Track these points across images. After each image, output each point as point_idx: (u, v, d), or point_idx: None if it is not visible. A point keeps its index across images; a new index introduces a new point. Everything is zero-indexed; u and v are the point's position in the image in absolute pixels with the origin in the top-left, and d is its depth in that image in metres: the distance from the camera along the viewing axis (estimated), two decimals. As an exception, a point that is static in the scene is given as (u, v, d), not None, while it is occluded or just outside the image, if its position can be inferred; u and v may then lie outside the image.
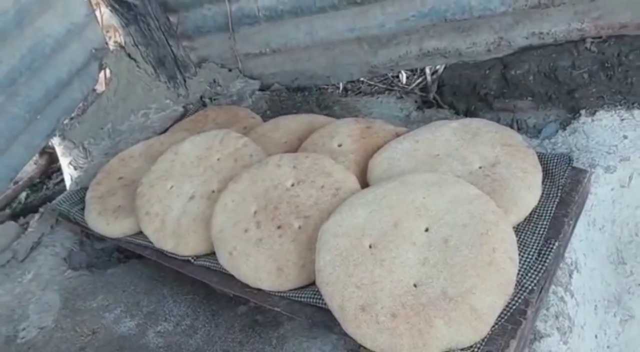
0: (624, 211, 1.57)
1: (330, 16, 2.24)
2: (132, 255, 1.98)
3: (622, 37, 1.88)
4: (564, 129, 1.79)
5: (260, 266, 1.43)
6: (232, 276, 1.50)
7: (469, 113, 2.11)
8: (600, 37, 1.91)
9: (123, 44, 2.51)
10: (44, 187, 3.45)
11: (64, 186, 2.86)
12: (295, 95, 2.53)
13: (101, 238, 1.95)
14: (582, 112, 1.80)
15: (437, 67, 2.29)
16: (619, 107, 1.77)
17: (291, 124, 2.00)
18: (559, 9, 1.90)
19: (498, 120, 1.88)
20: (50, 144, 2.71)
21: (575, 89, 1.86)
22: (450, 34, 2.09)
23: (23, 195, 3.38)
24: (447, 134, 1.57)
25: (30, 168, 3.38)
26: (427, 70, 2.32)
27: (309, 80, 2.55)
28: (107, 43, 2.50)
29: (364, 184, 1.54)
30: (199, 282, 1.63)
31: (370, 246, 1.26)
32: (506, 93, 1.99)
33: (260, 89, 2.65)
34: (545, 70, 1.90)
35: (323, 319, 1.29)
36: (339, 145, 1.73)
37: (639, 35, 1.86)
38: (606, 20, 1.88)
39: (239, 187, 1.60)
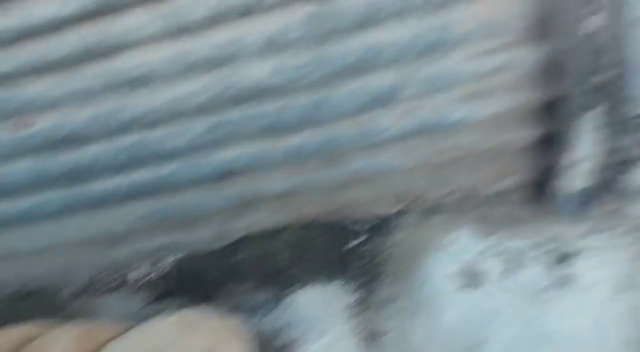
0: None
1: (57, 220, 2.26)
2: None
3: (319, 221, 2.29)
4: (278, 306, 2.02)
5: None
6: None
7: (202, 300, 2.22)
8: (301, 223, 2.29)
9: None
10: None
11: None
12: (21, 303, 2.37)
13: None
14: (291, 289, 2.07)
15: (170, 259, 2.42)
16: (321, 283, 2.09)
17: None
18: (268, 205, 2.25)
19: (222, 306, 2.03)
20: None
21: (284, 269, 2.15)
22: (176, 230, 2.29)
23: None
24: (165, 328, 1.65)
25: None
26: (160, 264, 2.43)
27: (38, 285, 2.43)
28: None
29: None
30: None
31: None
32: (229, 278, 2.19)
33: (-19, 300, 2.41)
34: (259, 255, 2.18)
35: None
36: (56, 357, 1.66)
37: (330, 220, 2.28)
38: (304, 210, 2.29)
39: None
